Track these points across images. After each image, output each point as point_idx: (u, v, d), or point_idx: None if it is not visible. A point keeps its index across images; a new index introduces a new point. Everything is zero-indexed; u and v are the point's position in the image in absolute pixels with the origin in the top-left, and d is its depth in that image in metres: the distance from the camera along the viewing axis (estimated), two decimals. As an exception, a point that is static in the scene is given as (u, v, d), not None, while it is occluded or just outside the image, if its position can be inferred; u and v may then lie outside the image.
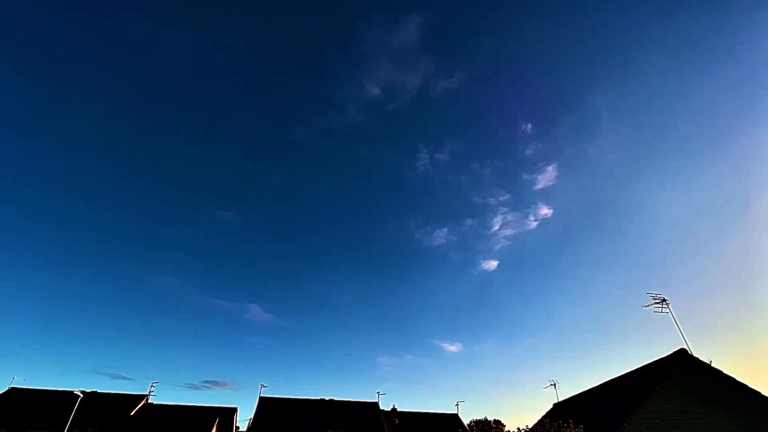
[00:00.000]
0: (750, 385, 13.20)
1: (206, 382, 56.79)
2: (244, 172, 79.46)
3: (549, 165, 77.35)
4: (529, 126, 77.35)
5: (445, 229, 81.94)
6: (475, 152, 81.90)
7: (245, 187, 79.43)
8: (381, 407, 28.23)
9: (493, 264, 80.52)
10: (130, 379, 54.42)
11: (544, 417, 20.75)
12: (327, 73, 75.61)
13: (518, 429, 11.34)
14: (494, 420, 14.98)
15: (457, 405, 30.14)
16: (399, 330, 78.42)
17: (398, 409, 28.76)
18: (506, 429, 14.69)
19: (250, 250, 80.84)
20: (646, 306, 16.18)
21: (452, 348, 73.16)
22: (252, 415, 25.90)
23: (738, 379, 13.27)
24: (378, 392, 28.99)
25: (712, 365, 13.48)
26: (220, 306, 73.11)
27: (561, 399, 21.87)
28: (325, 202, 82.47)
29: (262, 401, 27.04)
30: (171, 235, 75.02)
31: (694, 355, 13.70)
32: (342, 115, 76.67)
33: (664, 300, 15.94)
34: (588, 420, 14.59)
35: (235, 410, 29.35)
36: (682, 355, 13.89)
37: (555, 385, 22.86)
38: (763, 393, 13.09)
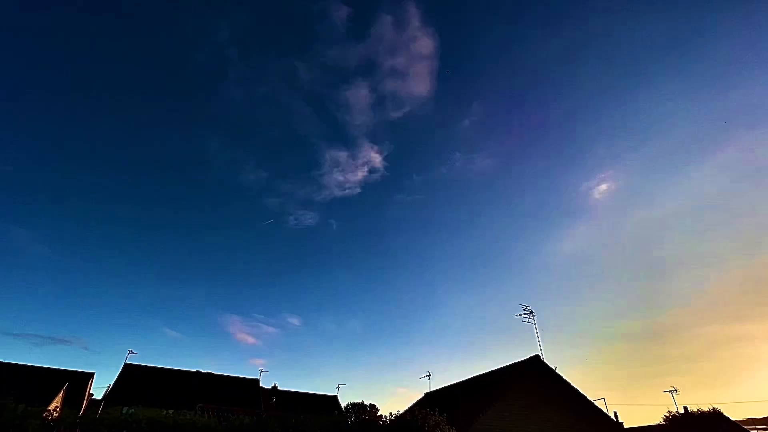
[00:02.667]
0: (579, 389, 16.04)
1: (52, 338, 48.30)
2: None
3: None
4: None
5: (260, 157, 63.90)
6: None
7: None
8: (262, 385, 27.75)
9: (317, 219, 65.27)
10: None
11: (414, 404, 22.47)
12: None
13: (389, 413, 12.08)
14: (370, 404, 15.77)
15: (338, 388, 31.07)
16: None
17: (279, 388, 28.53)
18: (379, 413, 15.60)
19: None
20: (517, 315, 18.57)
21: (294, 321, 68.21)
22: (112, 383, 23.33)
23: (572, 384, 16.01)
24: (261, 369, 28.42)
25: (556, 371, 16.07)
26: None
27: (433, 389, 23.94)
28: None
29: (128, 369, 24.52)
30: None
31: (545, 361, 16.16)
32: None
33: (531, 312, 18.42)
34: (453, 410, 16.22)
35: (90, 375, 26.04)
36: (535, 360, 16.22)
37: (429, 376, 24.91)
38: (586, 396, 15.99)
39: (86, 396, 25.49)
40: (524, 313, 18.45)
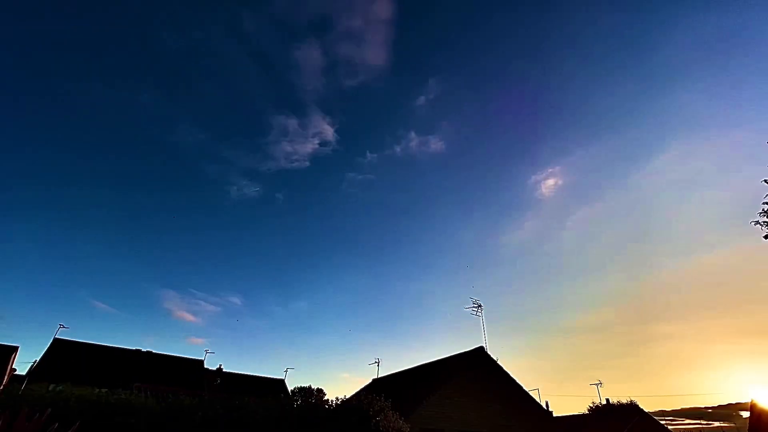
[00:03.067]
0: (517, 380, 17.07)
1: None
2: None
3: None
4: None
5: (197, 116, 52.52)
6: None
7: None
8: (207, 366, 26.95)
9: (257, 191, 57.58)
10: None
11: (361, 390, 22.87)
12: None
13: (336, 398, 12.22)
14: (317, 388, 15.85)
15: (285, 371, 30.92)
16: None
17: (224, 370, 27.86)
18: (326, 397, 15.72)
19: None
20: (467, 308, 19.33)
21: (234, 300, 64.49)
22: (38, 358, 21.63)
23: (511, 375, 17.01)
24: (206, 351, 27.59)
25: (498, 362, 16.98)
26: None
27: (380, 376, 24.47)
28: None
29: (57, 343, 22.83)
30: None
31: (489, 352, 17.01)
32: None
33: (480, 306, 19.24)
34: (398, 396, 16.69)
35: (14, 349, 23.92)
36: (479, 351, 17.02)
37: (378, 363, 25.41)
38: (523, 387, 17.08)
39: (8, 371, 23.44)
40: (474, 306, 19.26)
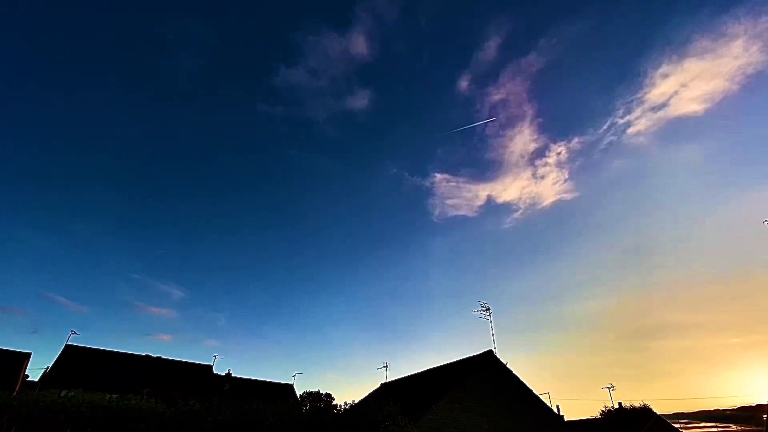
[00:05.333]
0: (527, 384, 16.87)
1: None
2: None
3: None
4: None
5: None
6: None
7: None
8: (215, 371, 27.08)
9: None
10: None
11: (370, 395, 22.77)
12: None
13: (344, 403, 12.18)
14: (325, 393, 15.80)
15: (294, 376, 30.97)
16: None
17: (233, 375, 27.95)
18: (334, 402, 15.68)
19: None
20: (474, 311, 19.19)
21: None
22: (51, 364, 21.89)
23: (521, 378, 16.82)
24: (215, 356, 27.75)
25: (507, 365, 16.81)
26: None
27: (389, 380, 24.34)
28: None
29: (69, 350, 23.11)
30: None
31: (498, 356, 16.85)
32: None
33: (488, 309, 19.08)
34: (407, 401, 16.59)
35: (26, 356, 24.28)
36: (488, 355, 16.87)
37: (387, 367, 25.30)
38: (533, 390, 16.87)
39: (21, 377, 23.78)
40: (482, 310, 19.10)
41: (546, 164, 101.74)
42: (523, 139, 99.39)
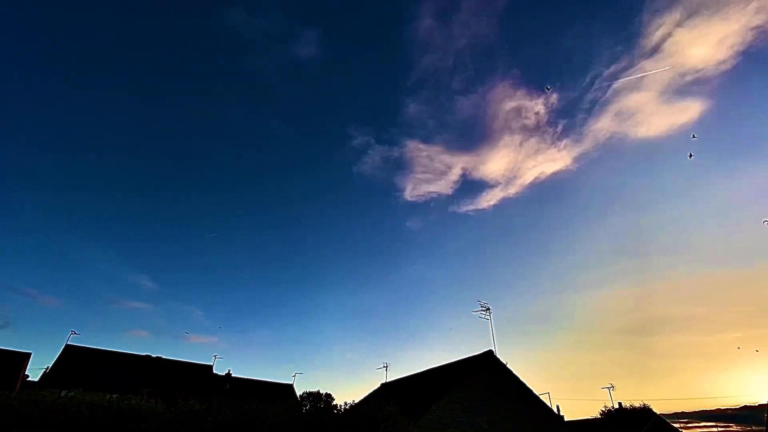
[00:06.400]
0: (527, 384, 16.87)
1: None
2: None
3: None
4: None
5: None
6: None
7: None
8: (215, 371, 27.08)
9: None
10: None
11: (370, 394, 22.78)
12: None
13: (345, 403, 12.18)
14: (325, 393, 15.80)
15: (294, 376, 30.96)
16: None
17: (233, 375, 27.96)
18: (335, 402, 15.70)
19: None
20: (474, 311, 19.21)
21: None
22: (50, 365, 21.90)
23: (521, 378, 16.82)
24: (215, 356, 27.74)
25: (507, 365, 16.82)
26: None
27: (389, 380, 24.34)
28: None
29: (69, 350, 23.10)
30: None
31: (498, 356, 16.86)
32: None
33: (488, 309, 19.10)
34: (407, 401, 16.59)
35: (26, 356, 24.28)
36: (488, 355, 16.87)
37: (387, 367, 25.30)
38: (533, 391, 16.87)
39: (20, 377, 23.78)
40: (481, 310, 19.11)
41: (530, 128, 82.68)
42: (498, 96, 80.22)
